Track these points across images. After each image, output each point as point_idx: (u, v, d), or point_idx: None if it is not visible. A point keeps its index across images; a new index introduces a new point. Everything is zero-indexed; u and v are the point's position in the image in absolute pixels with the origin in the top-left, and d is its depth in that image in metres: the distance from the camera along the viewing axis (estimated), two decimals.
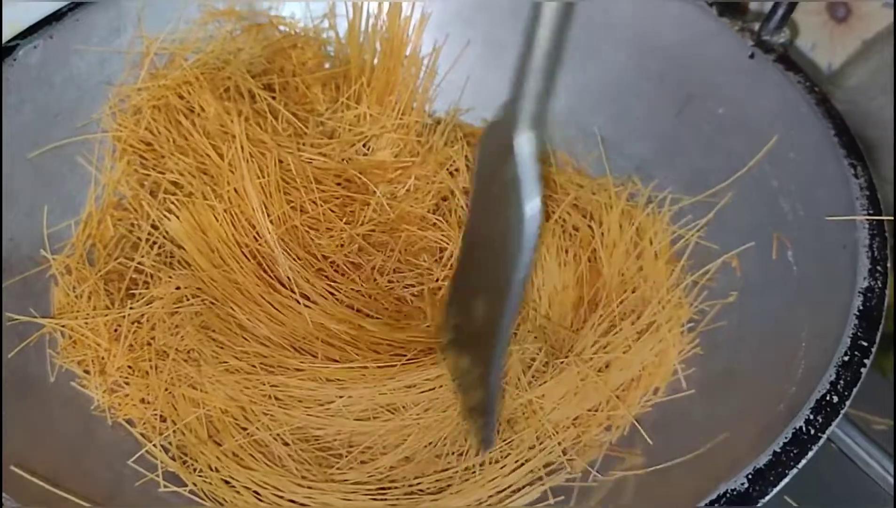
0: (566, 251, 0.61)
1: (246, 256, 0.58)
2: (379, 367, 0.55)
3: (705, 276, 0.57)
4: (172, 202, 0.58)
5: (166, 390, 0.53)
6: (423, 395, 0.54)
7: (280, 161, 0.60)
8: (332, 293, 0.59)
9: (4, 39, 0.57)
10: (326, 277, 0.60)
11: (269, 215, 0.58)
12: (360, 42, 0.68)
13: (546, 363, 0.55)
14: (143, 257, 0.58)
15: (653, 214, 0.61)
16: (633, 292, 0.58)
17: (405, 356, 0.56)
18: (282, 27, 0.68)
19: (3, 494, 0.41)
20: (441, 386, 0.54)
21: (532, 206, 0.36)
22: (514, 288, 0.39)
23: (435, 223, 0.64)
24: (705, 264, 0.58)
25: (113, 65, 0.62)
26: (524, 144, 0.35)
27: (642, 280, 0.59)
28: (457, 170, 0.66)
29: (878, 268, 0.46)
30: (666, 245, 0.60)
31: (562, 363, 0.55)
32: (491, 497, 0.50)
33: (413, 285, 0.62)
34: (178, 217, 0.57)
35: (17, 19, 0.58)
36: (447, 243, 0.63)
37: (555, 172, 0.67)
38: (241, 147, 0.58)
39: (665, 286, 0.58)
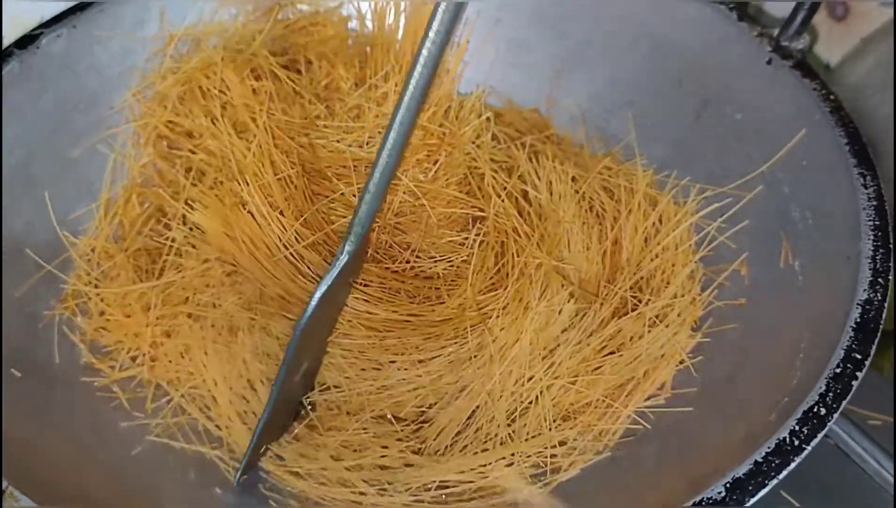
0: (592, 228, 0.61)
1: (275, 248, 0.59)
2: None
3: (716, 275, 0.57)
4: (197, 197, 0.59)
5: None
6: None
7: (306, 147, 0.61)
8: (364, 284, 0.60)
9: (14, 34, 0.59)
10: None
11: (295, 214, 0.59)
12: (386, 19, 0.68)
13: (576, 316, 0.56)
14: (173, 236, 0.59)
15: (677, 201, 0.61)
16: (649, 277, 0.59)
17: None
18: (301, 6, 0.69)
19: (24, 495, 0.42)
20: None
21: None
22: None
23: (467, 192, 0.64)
24: (715, 268, 0.58)
25: (136, 54, 0.63)
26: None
27: (659, 270, 0.59)
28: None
29: (879, 280, 0.46)
30: (687, 234, 0.60)
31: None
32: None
33: (445, 261, 0.62)
34: (204, 206, 0.58)
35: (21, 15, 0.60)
36: (480, 213, 0.63)
37: (586, 154, 0.67)
38: (267, 144, 0.59)
39: (682, 275, 0.58)
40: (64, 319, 0.56)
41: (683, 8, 0.62)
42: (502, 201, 0.60)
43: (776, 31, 0.59)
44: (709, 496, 0.39)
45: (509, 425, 0.54)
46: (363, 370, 0.56)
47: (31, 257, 0.56)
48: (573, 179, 0.63)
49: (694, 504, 0.38)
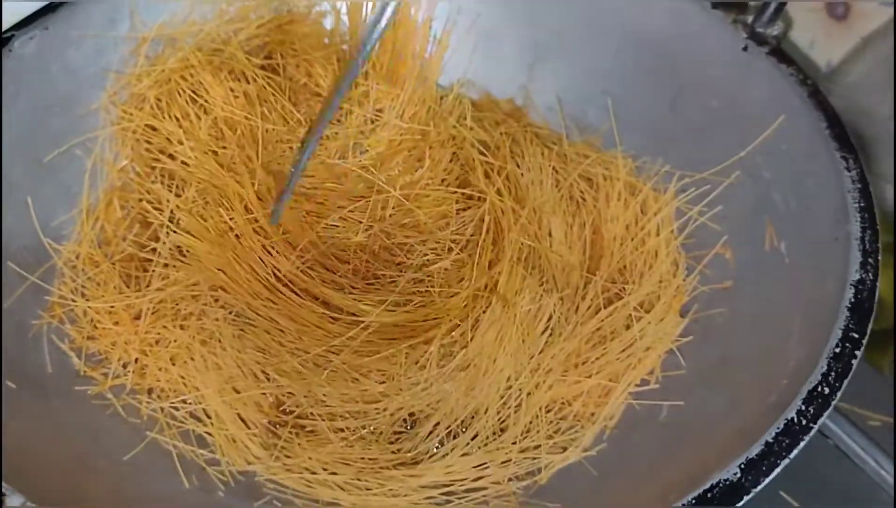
0: (573, 217, 0.62)
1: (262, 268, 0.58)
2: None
3: (701, 261, 0.58)
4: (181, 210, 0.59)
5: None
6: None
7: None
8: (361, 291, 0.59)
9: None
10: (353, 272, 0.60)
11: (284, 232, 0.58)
12: (361, 13, 0.67)
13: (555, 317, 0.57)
14: (159, 250, 0.58)
15: (657, 188, 0.62)
16: (631, 264, 0.60)
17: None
18: (275, 4, 0.68)
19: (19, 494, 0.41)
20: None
21: None
22: None
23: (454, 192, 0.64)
24: (698, 254, 0.59)
25: (109, 55, 0.62)
26: None
27: (641, 257, 0.60)
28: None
29: (870, 261, 0.47)
30: (668, 220, 0.61)
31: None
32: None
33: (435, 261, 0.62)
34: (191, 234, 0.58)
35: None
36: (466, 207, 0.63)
37: (565, 144, 0.67)
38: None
39: (664, 261, 0.59)
40: (53, 327, 0.55)
41: None
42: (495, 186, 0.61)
43: (750, 19, 0.60)
44: (725, 478, 0.39)
45: (502, 422, 0.54)
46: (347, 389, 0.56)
47: (14, 266, 0.55)
48: (553, 168, 0.64)
49: (711, 486, 0.39)
